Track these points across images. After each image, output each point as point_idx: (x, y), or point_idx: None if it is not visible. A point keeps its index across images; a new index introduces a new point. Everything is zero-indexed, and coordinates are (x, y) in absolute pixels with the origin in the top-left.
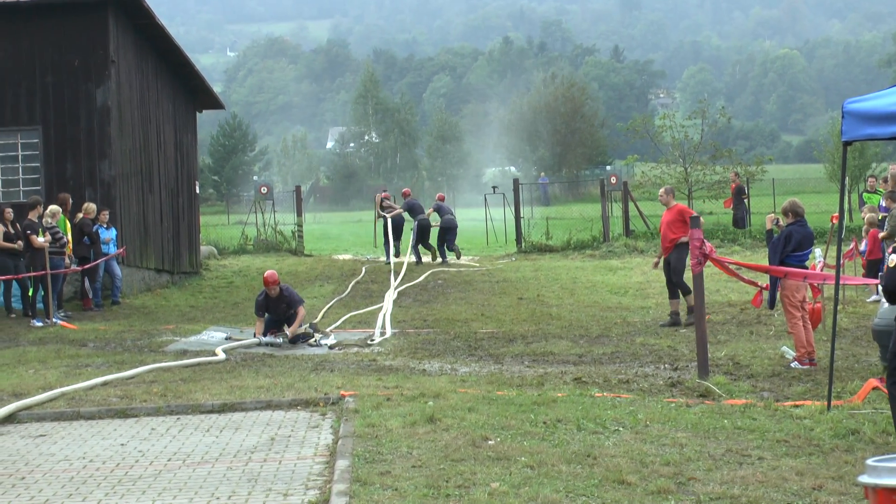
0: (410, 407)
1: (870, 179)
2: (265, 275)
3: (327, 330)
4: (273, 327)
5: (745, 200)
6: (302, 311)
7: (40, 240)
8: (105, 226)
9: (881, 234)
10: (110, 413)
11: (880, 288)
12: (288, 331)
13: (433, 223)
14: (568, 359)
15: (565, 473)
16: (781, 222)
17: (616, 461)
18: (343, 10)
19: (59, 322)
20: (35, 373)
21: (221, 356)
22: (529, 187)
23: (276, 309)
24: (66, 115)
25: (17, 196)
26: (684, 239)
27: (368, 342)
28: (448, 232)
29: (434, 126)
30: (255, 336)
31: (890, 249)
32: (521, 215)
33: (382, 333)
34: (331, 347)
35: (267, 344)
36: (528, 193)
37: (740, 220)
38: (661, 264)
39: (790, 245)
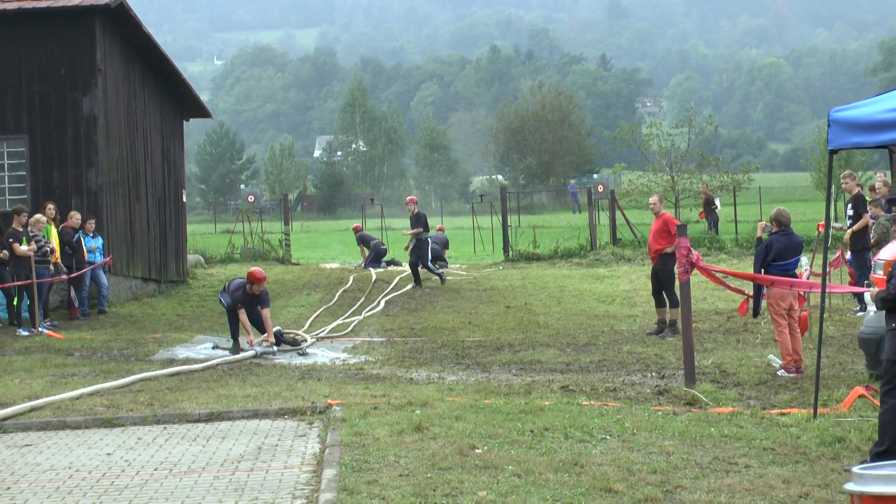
0: (398, 415)
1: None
2: (255, 272)
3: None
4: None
5: (715, 210)
6: (266, 312)
7: (23, 248)
8: (91, 234)
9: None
10: (96, 422)
11: (867, 296)
12: (265, 338)
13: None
14: (555, 367)
15: (552, 482)
16: (772, 230)
17: (603, 469)
18: (330, 19)
19: (45, 331)
20: (21, 382)
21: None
22: (516, 195)
23: (251, 305)
24: (53, 123)
25: (3, 205)
26: (668, 249)
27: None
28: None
29: (421, 134)
30: (244, 341)
31: (875, 257)
32: (508, 224)
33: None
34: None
35: (263, 354)
36: (516, 202)
37: (714, 224)
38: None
39: (770, 254)
